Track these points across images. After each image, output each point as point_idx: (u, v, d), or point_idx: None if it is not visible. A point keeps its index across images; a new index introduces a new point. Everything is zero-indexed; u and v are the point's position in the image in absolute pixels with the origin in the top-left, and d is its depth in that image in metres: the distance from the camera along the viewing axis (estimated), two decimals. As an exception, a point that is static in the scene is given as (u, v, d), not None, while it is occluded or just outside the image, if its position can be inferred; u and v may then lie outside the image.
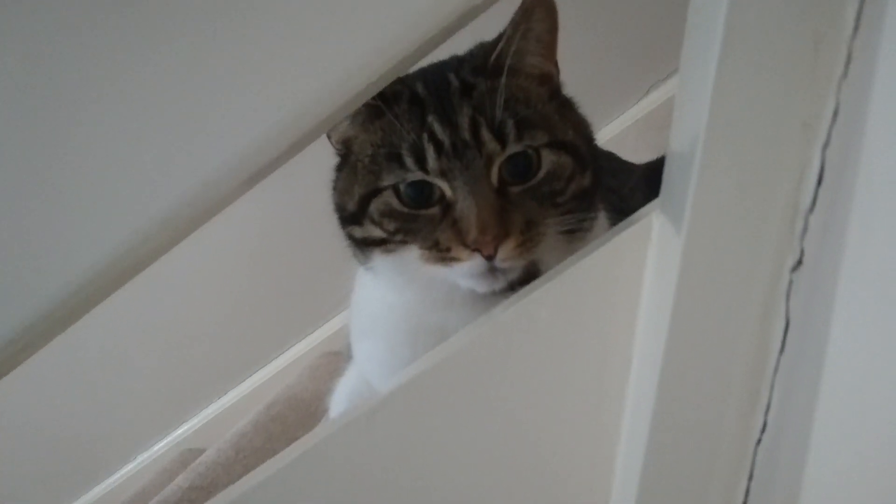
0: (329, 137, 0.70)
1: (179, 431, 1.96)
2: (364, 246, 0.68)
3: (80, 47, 0.45)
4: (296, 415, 1.63)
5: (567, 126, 0.68)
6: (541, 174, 0.64)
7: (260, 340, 1.95)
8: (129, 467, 1.96)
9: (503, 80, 0.62)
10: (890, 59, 0.31)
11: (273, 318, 1.92)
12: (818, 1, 0.37)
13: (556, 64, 0.70)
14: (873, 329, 0.32)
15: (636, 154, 1.52)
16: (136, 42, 0.45)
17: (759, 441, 0.42)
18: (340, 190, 0.70)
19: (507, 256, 0.60)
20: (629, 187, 0.96)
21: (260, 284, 1.87)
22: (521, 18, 0.62)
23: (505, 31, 0.64)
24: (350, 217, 0.68)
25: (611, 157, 1.15)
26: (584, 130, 0.71)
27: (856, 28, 0.36)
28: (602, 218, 0.74)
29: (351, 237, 0.69)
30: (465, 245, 0.60)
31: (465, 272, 0.61)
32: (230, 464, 1.43)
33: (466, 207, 0.60)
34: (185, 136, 0.48)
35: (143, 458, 1.96)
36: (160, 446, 1.96)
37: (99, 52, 0.45)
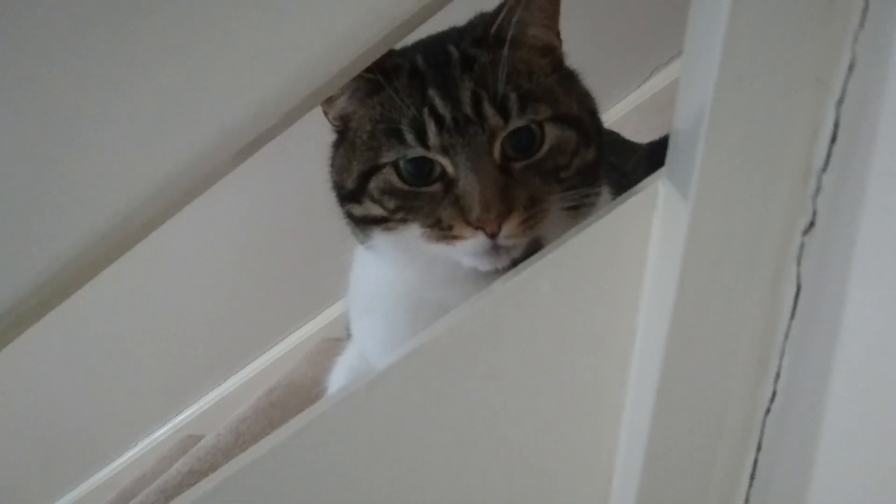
0: (326, 114, 0.68)
1: (180, 418, 1.96)
2: (363, 224, 0.66)
3: (67, 14, 0.43)
4: (295, 400, 1.63)
5: (571, 99, 0.67)
6: (544, 149, 0.63)
7: (260, 327, 1.95)
8: (130, 454, 1.97)
9: (505, 52, 0.61)
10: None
11: (273, 305, 1.92)
12: (834, -51, 0.35)
13: (558, 35, 0.68)
14: (893, 293, 0.31)
15: (638, 137, 1.51)
16: (124, 7, 0.44)
17: (768, 410, 0.41)
18: (338, 167, 0.68)
19: (511, 234, 0.59)
20: (632, 165, 0.95)
21: (260, 271, 1.87)
22: None
23: (506, 0, 0.63)
24: (349, 195, 0.66)
25: (613, 136, 1.14)
26: (588, 103, 0.70)
27: (873, -24, 0.34)
28: (606, 195, 0.73)
29: (350, 215, 0.68)
30: (468, 223, 0.59)
31: (468, 250, 0.60)
32: (230, 449, 1.42)
33: (469, 184, 0.59)
34: (175, 105, 0.47)
35: (143, 445, 1.97)
36: (161, 433, 1.97)
37: (88, 20, 0.44)
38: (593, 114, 0.71)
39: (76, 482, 1.96)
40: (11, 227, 0.47)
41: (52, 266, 0.48)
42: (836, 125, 0.36)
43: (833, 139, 0.36)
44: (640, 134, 1.61)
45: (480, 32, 0.65)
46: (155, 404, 1.96)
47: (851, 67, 0.35)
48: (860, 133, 0.35)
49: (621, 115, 2.03)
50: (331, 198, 0.73)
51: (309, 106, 0.51)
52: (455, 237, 0.60)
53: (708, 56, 0.39)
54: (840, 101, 0.36)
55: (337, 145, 0.70)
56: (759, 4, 0.36)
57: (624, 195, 0.53)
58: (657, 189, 0.49)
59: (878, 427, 0.32)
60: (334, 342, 1.87)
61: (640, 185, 0.52)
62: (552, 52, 0.67)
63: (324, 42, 0.48)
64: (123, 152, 0.47)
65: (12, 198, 0.47)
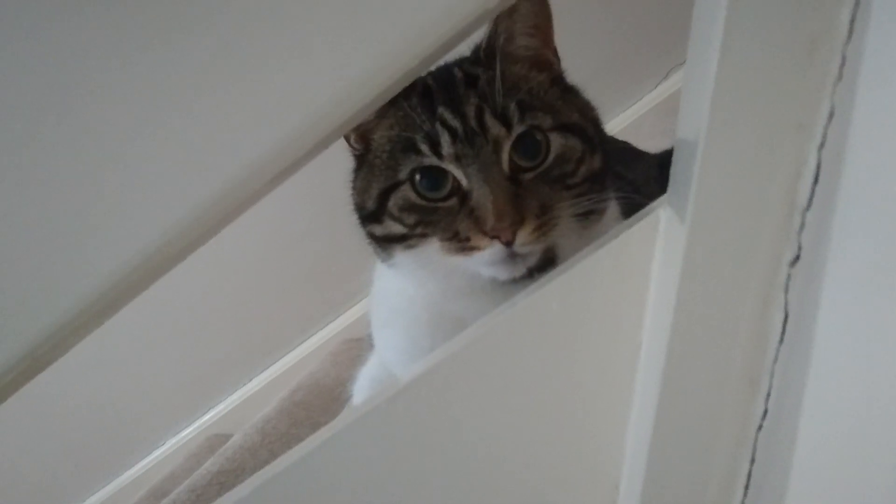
0: (347, 139, 0.72)
1: (207, 417, 2.01)
2: (385, 243, 0.70)
3: (103, 47, 0.47)
4: (319, 400, 1.67)
5: (572, 109, 0.70)
6: (550, 158, 0.66)
7: (283, 328, 1.99)
8: (159, 452, 2.02)
9: (498, 64, 0.64)
10: (871, 66, 0.33)
11: (296, 307, 1.96)
12: (814, 7, 0.38)
13: (554, 52, 0.71)
14: (851, 319, 0.34)
15: (654, 139, 1.52)
16: (161, 43, 0.47)
17: (760, 427, 0.44)
18: (359, 189, 0.72)
19: (526, 241, 0.62)
20: (644, 177, 0.97)
21: (283, 274, 1.91)
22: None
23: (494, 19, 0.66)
24: (370, 216, 0.70)
25: (624, 146, 1.16)
26: (589, 113, 0.73)
27: (850, 33, 0.37)
28: (613, 207, 0.76)
29: (372, 235, 0.72)
30: (484, 233, 0.62)
31: (486, 260, 0.63)
32: (256, 448, 1.47)
33: (482, 195, 0.62)
34: (212, 136, 0.50)
35: (172, 443, 2.02)
36: (188, 431, 2.02)
37: (124, 55, 0.47)
38: (596, 124, 0.73)
39: (108, 479, 2.01)
40: (57, 254, 0.51)
41: (100, 285, 0.52)
42: (818, 167, 0.39)
43: (815, 180, 0.39)
44: (656, 136, 1.62)
45: (475, 54, 0.69)
46: (183, 404, 2.01)
47: (831, 115, 0.39)
48: (839, 175, 0.38)
49: (638, 115, 2.04)
50: (350, 205, 0.76)
51: (338, 135, 0.55)
52: (473, 248, 0.63)
53: (700, 100, 0.42)
54: (821, 146, 0.39)
55: (357, 169, 0.74)
56: (746, 57, 0.39)
57: (630, 220, 0.56)
58: (659, 215, 0.53)
59: (850, 438, 0.35)
60: (355, 342, 1.91)
61: (645, 210, 0.56)
62: (548, 67, 0.70)
63: (353, 77, 0.51)
64: (167, 184, 0.51)
65: (67, 220, 0.51)
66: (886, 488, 0.31)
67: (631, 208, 0.74)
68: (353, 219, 0.75)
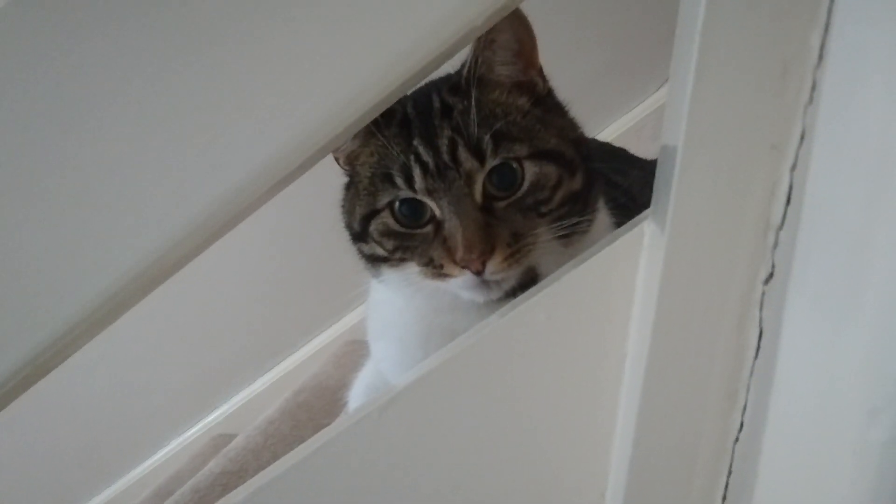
0: (337, 160, 0.73)
1: (211, 418, 2.03)
2: (372, 261, 0.72)
3: (104, 59, 0.47)
4: (321, 402, 1.67)
5: (549, 134, 0.69)
6: (525, 186, 0.65)
7: (286, 330, 2.00)
8: (164, 452, 2.04)
9: (474, 94, 0.64)
10: (832, 89, 0.34)
11: (298, 309, 1.97)
12: (786, 31, 0.39)
13: (540, 71, 0.71)
14: (810, 335, 0.36)
15: (655, 143, 1.52)
16: (165, 59, 0.48)
17: (736, 439, 0.45)
18: (347, 210, 0.74)
19: (496, 270, 0.63)
20: (641, 184, 0.97)
21: (286, 276, 1.92)
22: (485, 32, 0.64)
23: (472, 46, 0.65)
24: (356, 236, 0.72)
25: (620, 153, 1.16)
26: (570, 134, 0.72)
27: (820, 58, 0.38)
28: (604, 217, 0.76)
29: (361, 253, 0.73)
30: (454, 262, 0.63)
31: (460, 285, 0.65)
32: (259, 450, 1.48)
33: (453, 227, 0.63)
34: (213, 144, 0.51)
35: (176, 443, 2.03)
36: (193, 431, 2.03)
37: (126, 68, 0.48)
38: (577, 144, 0.72)
39: (113, 479, 2.03)
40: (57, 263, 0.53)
41: (100, 295, 0.52)
42: (791, 187, 0.40)
43: (788, 200, 0.40)
44: (657, 140, 1.63)
45: (456, 80, 0.68)
46: (187, 405, 2.02)
47: (802, 137, 0.39)
48: (803, 194, 0.39)
49: (639, 118, 2.03)
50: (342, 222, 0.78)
51: (328, 150, 0.56)
52: (445, 275, 0.64)
53: (678, 118, 0.43)
54: (793, 167, 0.40)
55: (346, 188, 0.75)
56: (720, 80, 0.40)
57: (615, 233, 0.57)
58: (643, 230, 0.53)
59: (808, 451, 0.36)
60: (358, 344, 1.92)
61: (629, 223, 0.57)
62: (531, 90, 0.69)
63: (346, 91, 0.52)
64: (167, 193, 0.51)
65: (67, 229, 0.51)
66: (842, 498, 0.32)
67: (625, 216, 0.75)
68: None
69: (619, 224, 0.76)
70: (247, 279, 1.90)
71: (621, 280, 0.55)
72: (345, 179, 0.77)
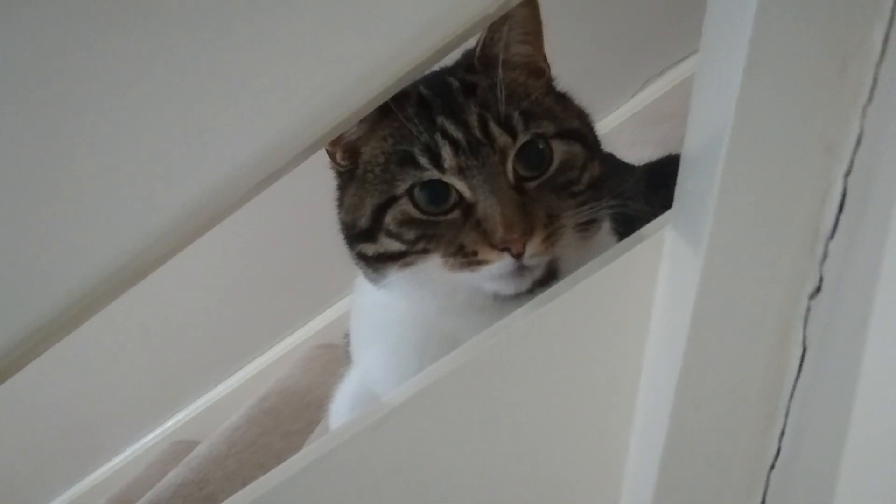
0: (331, 156, 0.68)
1: (170, 423, 1.96)
2: (378, 263, 0.66)
3: (91, 51, 0.45)
4: (289, 408, 1.62)
5: (571, 115, 0.68)
6: (554, 165, 0.64)
7: (251, 332, 1.94)
8: (120, 458, 1.97)
9: (500, 73, 0.62)
10: (892, 90, 0.31)
11: (265, 310, 1.91)
12: (846, 25, 0.36)
13: (545, 59, 0.70)
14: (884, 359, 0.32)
15: (633, 148, 1.50)
16: (150, 47, 0.45)
17: (772, 466, 0.42)
18: (349, 207, 0.68)
19: (535, 252, 0.60)
20: (632, 191, 0.95)
21: (252, 276, 1.87)
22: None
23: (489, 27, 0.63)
24: (362, 234, 0.66)
25: (609, 158, 1.14)
26: (587, 119, 0.72)
27: (882, 53, 0.35)
28: (605, 221, 0.74)
29: (362, 255, 0.68)
30: (493, 245, 0.59)
31: (493, 274, 0.61)
32: (222, 459, 1.42)
33: (490, 206, 0.59)
34: (197, 142, 0.48)
35: (133, 450, 1.97)
36: (150, 437, 1.97)
37: (113, 60, 0.45)
38: (593, 130, 0.72)
39: (66, 485, 1.96)
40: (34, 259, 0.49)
41: (75, 292, 0.50)
42: (844, 194, 0.37)
43: (840, 208, 0.37)
44: (634, 146, 1.61)
45: (470, 62, 0.67)
46: (145, 409, 1.95)
47: (859, 139, 0.36)
48: (869, 204, 0.36)
49: (615, 125, 2.03)
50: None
51: (324, 142, 0.52)
52: (480, 262, 0.60)
53: (719, 117, 0.40)
54: (848, 172, 0.37)
55: (343, 186, 0.70)
56: (773, 74, 0.37)
57: (630, 239, 0.54)
58: (663, 238, 0.50)
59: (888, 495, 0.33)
60: (327, 348, 1.87)
61: (647, 230, 0.53)
62: (543, 74, 0.69)
63: (340, 84, 0.49)
64: (147, 186, 0.49)
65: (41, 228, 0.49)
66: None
67: (622, 220, 0.72)
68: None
69: (615, 228, 0.74)
70: (210, 280, 1.84)
71: (638, 290, 0.52)
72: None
